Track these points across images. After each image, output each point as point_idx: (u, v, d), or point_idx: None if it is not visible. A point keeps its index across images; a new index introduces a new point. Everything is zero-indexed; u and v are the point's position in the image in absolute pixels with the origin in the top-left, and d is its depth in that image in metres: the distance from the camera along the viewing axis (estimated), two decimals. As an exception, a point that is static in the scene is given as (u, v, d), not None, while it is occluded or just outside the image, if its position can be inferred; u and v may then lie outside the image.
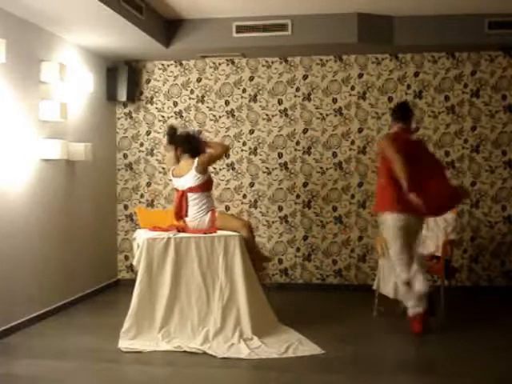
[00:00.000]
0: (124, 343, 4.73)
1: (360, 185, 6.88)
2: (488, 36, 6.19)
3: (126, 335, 4.78)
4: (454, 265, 6.25)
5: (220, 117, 7.05)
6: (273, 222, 7.01)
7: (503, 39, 6.22)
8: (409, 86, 6.79)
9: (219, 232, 5.02)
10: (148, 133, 7.18)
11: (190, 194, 5.05)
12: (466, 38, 6.25)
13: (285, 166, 6.97)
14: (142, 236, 5.03)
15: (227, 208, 6.97)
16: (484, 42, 6.30)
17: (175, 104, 7.11)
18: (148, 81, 7.17)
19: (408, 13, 6.17)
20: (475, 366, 4.38)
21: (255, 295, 4.98)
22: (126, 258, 7.21)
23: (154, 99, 7.15)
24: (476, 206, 6.71)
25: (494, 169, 6.69)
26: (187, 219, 5.08)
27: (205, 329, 4.79)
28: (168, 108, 7.13)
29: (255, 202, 7.03)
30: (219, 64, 7.04)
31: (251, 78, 7.00)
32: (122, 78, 6.89)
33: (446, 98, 6.74)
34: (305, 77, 6.92)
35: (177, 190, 5.15)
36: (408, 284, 5.01)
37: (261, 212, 7.01)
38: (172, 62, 7.11)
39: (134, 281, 4.97)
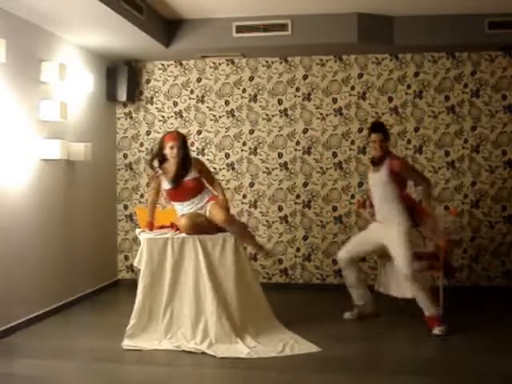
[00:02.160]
0: (128, 341, 4.76)
1: (360, 185, 6.88)
2: (488, 36, 6.19)
3: (131, 331, 4.81)
4: (454, 265, 6.24)
5: (220, 117, 7.06)
6: (273, 222, 7.01)
7: (503, 39, 6.22)
8: (409, 86, 6.79)
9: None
10: (148, 133, 7.18)
11: None
12: (466, 38, 6.25)
13: (285, 165, 6.97)
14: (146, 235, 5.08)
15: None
16: (484, 42, 6.30)
17: (175, 104, 7.11)
18: (148, 81, 7.17)
19: (408, 13, 6.17)
20: (475, 366, 4.38)
21: (250, 294, 5.00)
22: (126, 257, 7.20)
23: (154, 99, 7.15)
24: (476, 206, 6.71)
25: (494, 169, 6.69)
26: None
27: (201, 326, 4.80)
28: (168, 108, 7.13)
29: (255, 202, 7.04)
30: (219, 64, 7.04)
31: (251, 78, 7.00)
32: (122, 78, 6.89)
33: (446, 98, 6.74)
34: (305, 77, 6.92)
35: None
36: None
37: (261, 212, 7.01)
38: (172, 62, 7.11)
39: (134, 281, 4.99)
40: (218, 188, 5.24)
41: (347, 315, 5.59)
